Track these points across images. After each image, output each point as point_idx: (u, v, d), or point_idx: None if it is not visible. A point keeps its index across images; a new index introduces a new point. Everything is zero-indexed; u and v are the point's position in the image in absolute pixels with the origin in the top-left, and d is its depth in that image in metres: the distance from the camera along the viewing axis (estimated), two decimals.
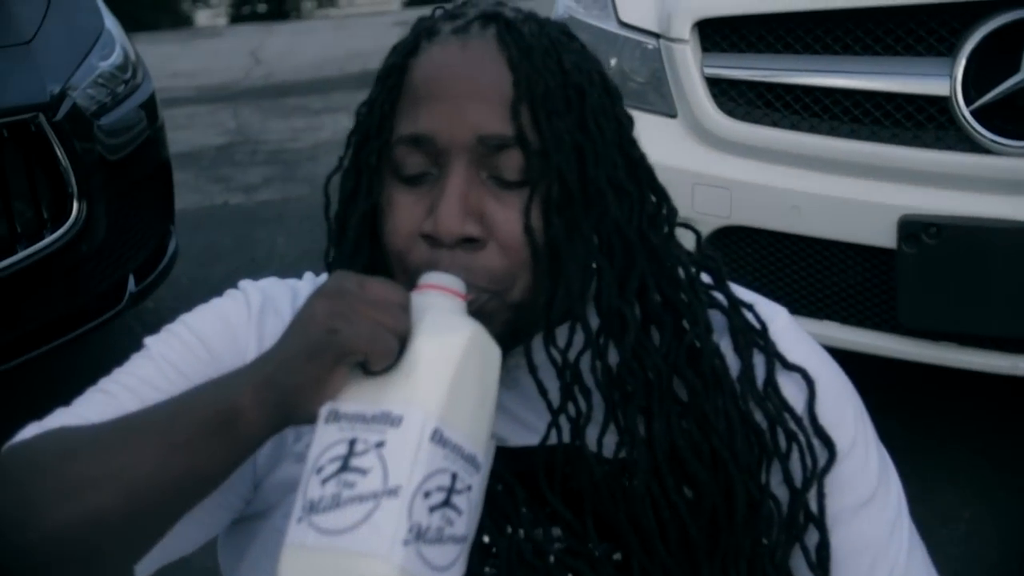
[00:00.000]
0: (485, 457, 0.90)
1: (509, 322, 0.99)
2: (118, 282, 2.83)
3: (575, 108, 0.99)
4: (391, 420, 0.85)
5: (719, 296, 1.07)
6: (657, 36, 2.62)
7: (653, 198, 1.04)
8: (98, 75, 2.88)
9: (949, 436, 2.78)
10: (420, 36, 1.03)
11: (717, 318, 1.06)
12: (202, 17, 14.59)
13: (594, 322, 1.01)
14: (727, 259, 2.48)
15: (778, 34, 2.46)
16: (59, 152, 2.57)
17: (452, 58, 0.99)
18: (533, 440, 1.02)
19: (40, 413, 1.04)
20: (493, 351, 0.92)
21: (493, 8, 1.03)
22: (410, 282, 0.96)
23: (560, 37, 1.03)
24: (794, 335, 1.11)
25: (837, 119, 2.42)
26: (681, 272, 1.04)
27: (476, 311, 0.96)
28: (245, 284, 1.14)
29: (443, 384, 0.87)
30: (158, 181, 3.10)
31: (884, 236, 2.33)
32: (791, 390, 1.06)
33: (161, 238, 3.06)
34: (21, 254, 2.55)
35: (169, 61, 9.30)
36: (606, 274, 1.00)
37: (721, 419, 1.02)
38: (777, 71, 2.47)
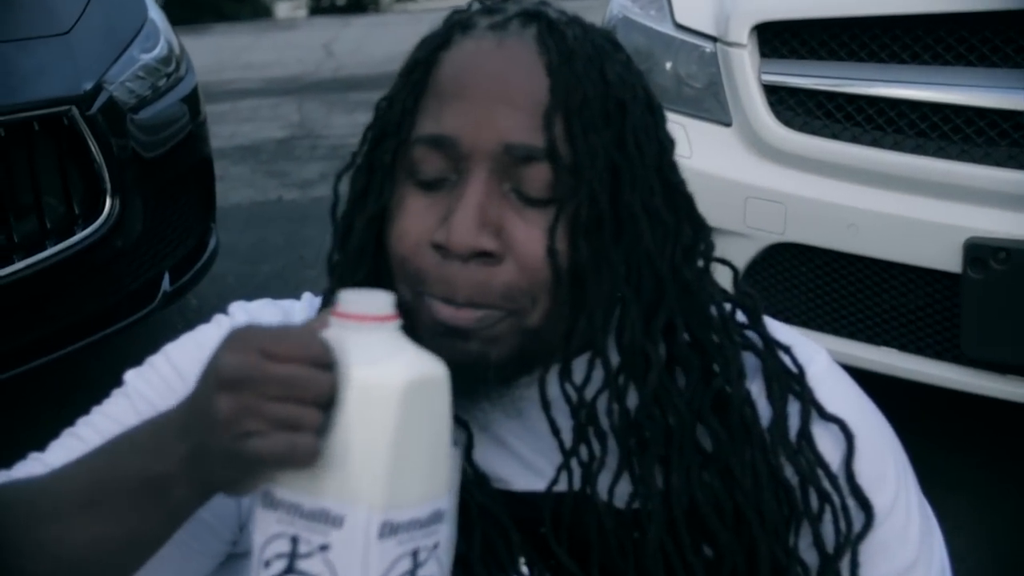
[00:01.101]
0: (450, 492, 0.83)
1: (517, 347, 0.92)
2: (152, 280, 2.80)
3: (615, 124, 0.93)
4: (331, 520, 0.77)
5: (753, 336, 1.00)
6: (714, 40, 2.55)
7: (690, 229, 0.97)
8: (139, 68, 2.85)
9: (1008, 472, 2.66)
10: (453, 29, 0.96)
11: (749, 359, 0.99)
12: (282, 9, 14.76)
13: (614, 359, 0.94)
14: (780, 278, 2.41)
15: (842, 40, 2.38)
16: (92, 147, 2.54)
17: (485, 55, 0.93)
18: (537, 484, 0.97)
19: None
20: (437, 376, 0.80)
21: (536, 6, 0.97)
22: (411, 291, 0.92)
23: (605, 45, 0.96)
24: (833, 380, 1.04)
25: (902, 133, 2.33)
26: (714, 311, 0.98)
27: (483, 332, 0.89)
28: (234, 308, 1.09)
29: (382, 462, 0.77)
30: (198, 177, 3.07)
31: (948, 259, 2.24)
32: (827, 443, 0.99)
33: (200, 236, 3.03)
34: (50, 250, 2.51)
35: (243, 52, 9.42)
36: (632, 307, 0.93)
37: (748, 473, 0.96)
38: (839, 80, 2.40)
